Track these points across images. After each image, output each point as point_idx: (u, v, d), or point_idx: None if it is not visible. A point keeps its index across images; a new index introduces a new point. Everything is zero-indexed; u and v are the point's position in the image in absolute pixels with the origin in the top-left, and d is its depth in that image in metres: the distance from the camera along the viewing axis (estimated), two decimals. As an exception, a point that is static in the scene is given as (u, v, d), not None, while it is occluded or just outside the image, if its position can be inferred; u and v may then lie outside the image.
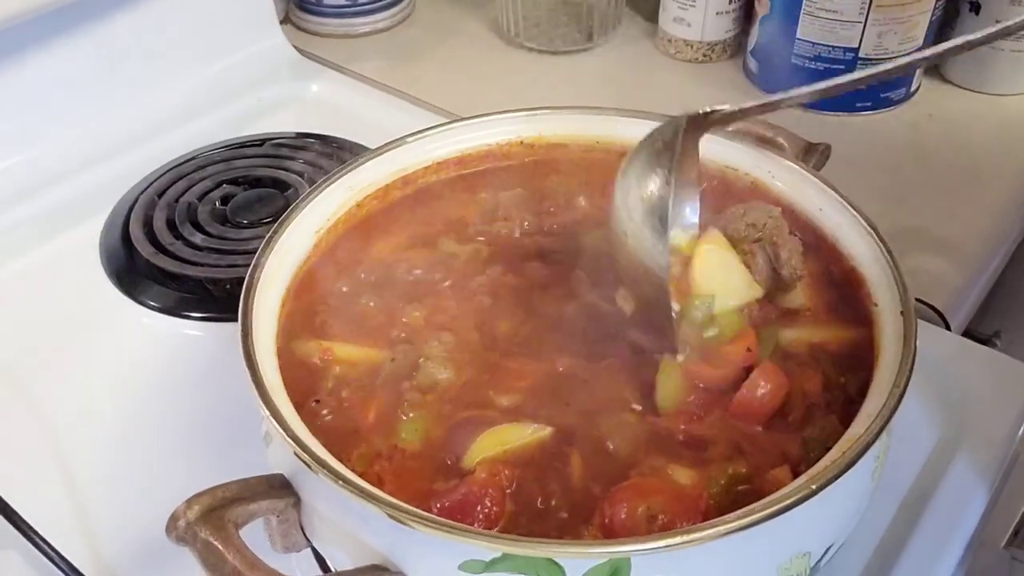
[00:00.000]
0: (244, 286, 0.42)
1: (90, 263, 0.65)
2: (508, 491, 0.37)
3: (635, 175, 0.42)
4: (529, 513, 0.37)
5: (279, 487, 0.37)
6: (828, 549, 0.37)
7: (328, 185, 0.49)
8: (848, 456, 0.34)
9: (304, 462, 0.34)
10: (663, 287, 0.40)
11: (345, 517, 0.36)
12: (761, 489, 0.37)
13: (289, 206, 0.48)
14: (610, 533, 0.36)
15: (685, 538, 0.31)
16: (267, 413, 0.36)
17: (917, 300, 0.61)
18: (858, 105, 0.79)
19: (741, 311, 0.44)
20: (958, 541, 0.47)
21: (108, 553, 0.47)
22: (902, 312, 0.40)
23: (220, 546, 0.32)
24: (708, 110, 0.44)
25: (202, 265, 0.63)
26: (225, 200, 0.70)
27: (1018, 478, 1.02)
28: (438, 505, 0.36)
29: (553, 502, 0.37)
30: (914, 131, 0.78)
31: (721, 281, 0.44)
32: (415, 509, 0.33)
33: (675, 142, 0.42)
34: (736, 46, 0.88)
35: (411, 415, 0.41)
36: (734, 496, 0.37)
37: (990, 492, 0.50)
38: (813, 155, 0.53)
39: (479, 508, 0.36)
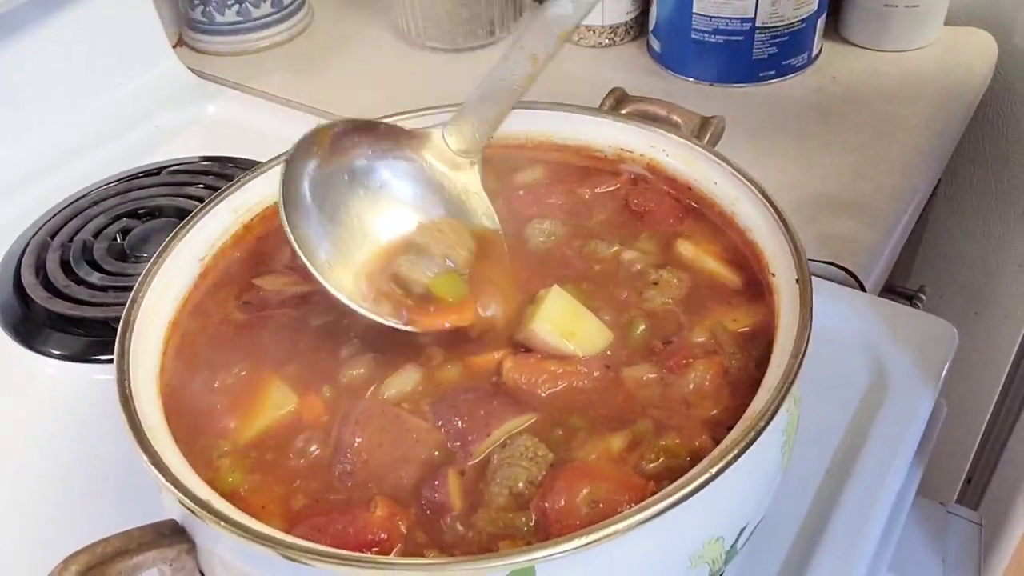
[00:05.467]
0: (120, 325, 0.40)
1: (-18, 318, 0.62)
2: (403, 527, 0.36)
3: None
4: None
5: (169, 534, 0.35)
6: (743, 530, 0.36)
7: (210, 209, 0.47)
8: (748, 434, 0.33)
9: (188, 508, 0.33)
10: None
11: (242, 559, 0.34)
12: None
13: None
14: (547, 521, 0.35)
15: (584, 540, 0.30)
16: (145, 459, 0.34)
17: (829, 263, 0.61)
18: (761, 75, 0.79)
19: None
20: (885, 499, 0.47)
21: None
22: (797, 280, 0.39)
23: (99, 607, 0.30)
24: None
25: (102, 305, 0.61)
26: (124, 234, 0.67)
27: (960, 433, 1.04)
28: (331, 532, 0.34)
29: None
30: (819, 95, 0.78)
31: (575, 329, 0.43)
32: (308, 544, 0.32)
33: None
34: (639, 27, 0.87)
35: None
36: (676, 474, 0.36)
37: (915, 446, 0.50)
38: (708, 129, 0.52)
39: (374, 537, 0.35)
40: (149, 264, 0.43)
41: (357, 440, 0.39)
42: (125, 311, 0.40)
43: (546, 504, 0.35)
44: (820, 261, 0.61)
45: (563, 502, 0.35)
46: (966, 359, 0.55)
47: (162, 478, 0.33)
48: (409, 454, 0.38)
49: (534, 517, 0.36)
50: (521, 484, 0.36)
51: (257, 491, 0.38)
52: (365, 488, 0.37)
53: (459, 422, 0.39)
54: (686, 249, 0.46)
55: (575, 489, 0.35)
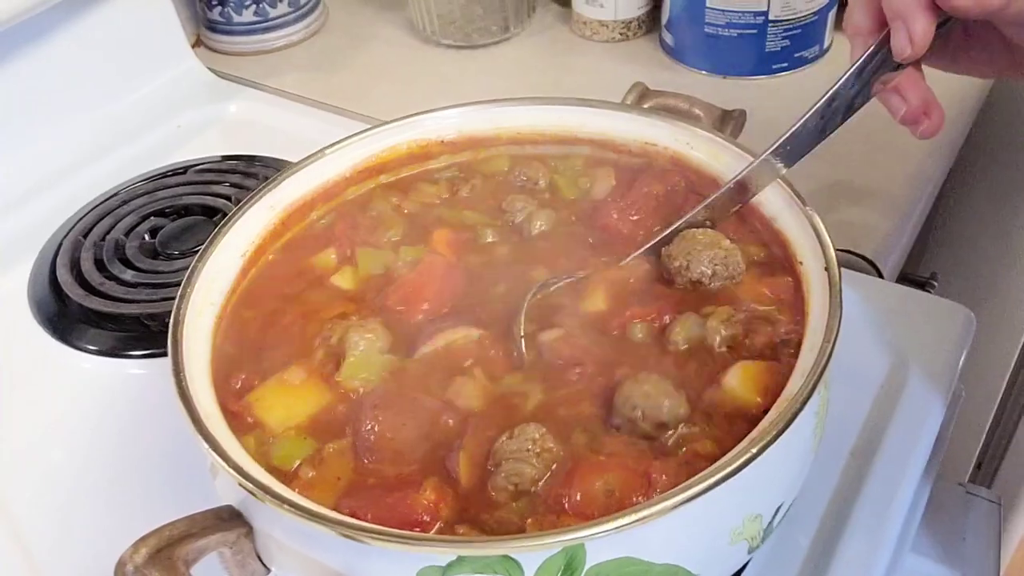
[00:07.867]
0: (171, 320, 0.41)
1: (19, 314, 0.63)
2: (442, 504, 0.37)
3: None
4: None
5: (228, 518, 0.36)
6: (779, 508, 0.38)
7: (249, 206, 0.48)
8: (785, 416, 0.34)
9: (249, 491, 0.34)
10: None
11: (298, 540, 0.36)
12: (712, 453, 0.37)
13: (219, 231, 0.47)
14: (570, 514, 0.36)
15: (634, 517, 0.31)
16: (206, 446, 0.35)
17: (847, 251, 0.62)
18: (774, 67, 0.80)
19: None
20: (909, 482, 0.48)
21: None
22: (825, 268, 0.40)
23: (171, 587, 0.32)
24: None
25: (136, 302, 0.62)
26: (154, 233, 0.68)
27: (972, 415, 1.06)
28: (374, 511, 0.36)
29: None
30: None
31: None
32: (366, 524, 0.33)
33: None
34: (651, 21, 0.88)
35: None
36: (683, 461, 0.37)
37: (936, 429, 0.52)
38: (729, 122, 0.54)
39: (417, 518, 0.36)
40: (195, 260, 0.44)
41: (378, 426, 0.39)
42: (175, 306, 0.42)
43: (567, 499, 0.36)
44: (838, 249, 0.61)
45: (580, 496, 0.36)
46: (975, 346, 0.56)
47: (223, 463, 0.35)
48: (431, 432, 0.40)
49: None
50: (527, 482, 0.37)
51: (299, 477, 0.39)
52: (395, 469, 0.39)
53: None
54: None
55: (590, 482, 0.36)
